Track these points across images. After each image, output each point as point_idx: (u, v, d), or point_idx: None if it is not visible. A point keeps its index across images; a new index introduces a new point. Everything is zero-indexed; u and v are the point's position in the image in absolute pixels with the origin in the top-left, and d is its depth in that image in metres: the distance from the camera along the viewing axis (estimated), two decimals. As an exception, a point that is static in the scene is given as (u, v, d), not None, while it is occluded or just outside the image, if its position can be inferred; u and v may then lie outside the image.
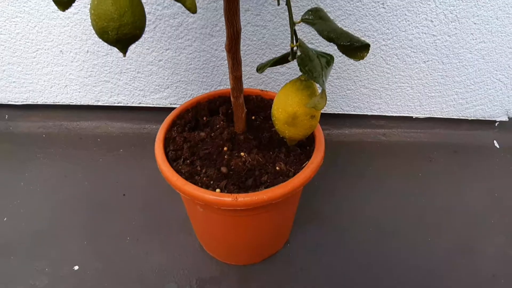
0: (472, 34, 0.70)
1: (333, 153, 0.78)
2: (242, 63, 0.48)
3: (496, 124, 0.85)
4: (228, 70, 0.49)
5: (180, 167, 0.49)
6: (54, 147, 0.81)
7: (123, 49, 0.33)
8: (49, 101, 0.81)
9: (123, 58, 0.71)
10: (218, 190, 0.46)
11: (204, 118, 0.58)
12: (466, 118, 0.82)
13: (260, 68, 0.44)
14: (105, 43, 0.71)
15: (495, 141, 0.84)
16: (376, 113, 0.80)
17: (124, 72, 0.73)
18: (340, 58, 0.71)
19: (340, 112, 0.80)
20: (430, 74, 0.74)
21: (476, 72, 0.75)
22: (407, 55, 0.71)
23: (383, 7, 0.66)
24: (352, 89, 0.76)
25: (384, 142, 0.82)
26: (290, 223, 0.61)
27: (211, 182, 0.47)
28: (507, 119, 0.84)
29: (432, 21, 0.68)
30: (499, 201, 0.70)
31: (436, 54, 0.71)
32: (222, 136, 0.54)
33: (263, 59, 0.72)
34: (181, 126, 0.55)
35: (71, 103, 0.81)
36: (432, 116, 0.81)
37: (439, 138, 0.83)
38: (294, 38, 0.37)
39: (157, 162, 0.49)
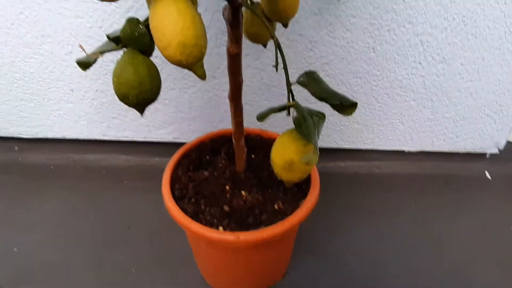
0: (459, 74, 0.76)
1: (329, 185, 0.83)
2: (243, 100, 0.54)
3: (487, 156, 0.91)
4: (230, 115, 0.55)
5: (185, 205, 0.54)
6: (62, 178, 0.86)
7: (141, 111, 0.39)
8: (58, 135, 0.87)
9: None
10: (221, 228, 0.51)
11: (207, 157, 0.64)
12: (457, 151, 0.88)
13: (261, 118, 0.49)
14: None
15: (486, 172, 0.89)
16: (369, 147, 0.86)
17: (131, 110, 0.79)
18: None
19: (335, 146, 0.85)
20: (420, 111, 0.80)
21: (464, 109, 0.81)
22: (397, 94, 0.78)
23: (374, 52, 0.72)
24: (346, 125, 0.82)
25: (378, 174, 0.88)
26: (288, 256, 0.65)
27: (214, 221, 0.52)
28: (498, 152, 0.89)
29: (420, 63, 0.74)
30: (492, 232, 0.75)
31: (425, 93, 0.78)
32: (224, 175, 0.59)
33: (262, 98, 0.78)
34: (186, 165, 0.61)
35: (79, 138, 0.87)
36: (424, 149, 0.87)
37: (431, 170, 0.88)
38: (290, 97, 0.43)
39: (164, 200, 0.54)
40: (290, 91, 0.43)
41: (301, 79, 0.42)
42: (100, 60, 0.74)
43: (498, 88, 0.78)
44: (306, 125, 0.38)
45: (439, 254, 0.70)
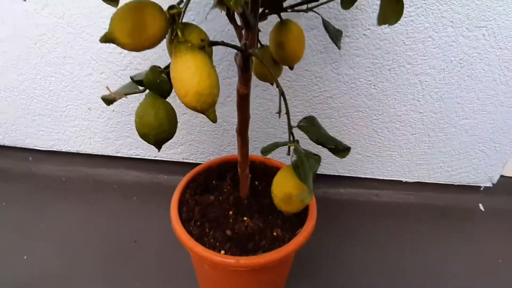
0: (456, 112, 0.81)
1: (329, 210, 0.88)
2: (250, 128, 0.59)
3: (481, 189, 0.95)
4: (237, 144, 0.61)
5: (191, 228, 0.59)
6: (73, 190, 0.92)
7: (159, 148, 0.44)
8: (73, 149, 0.93)
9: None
10: (223, 251, 0.56)
11: (214, 182, 0.69)
12: (453, 183, 0.92)
13: (265, 152, 0.55)
14: (129, 106, 0.84)
15: (480, 205, 0.94)
16: (368, 176, 0.91)
17: (143, 130, 0.85)
18: (336, 128, 0.83)
19: (336, 174, 0.91)
20: (418, 145, 0.85)
21: (460, 144, 0.86)
22: (396, 128, 0.83)
23: (375, 88, 0.78)
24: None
25: (376, 202, 0.92)
26: (284, 278, 0.70)
27: (217, 244, 0.57)
28: (491, 185, 0.94)
29: (419, 100, 0.79)
30: (486, 262, 0.79)
31: (423, 128, 0.83)
32: (229, 200, 0.64)
33: (268, 125, 0.83)
34: (193, 189, 0.66)
35: (92, 153, 0.93)
36: (420, 180, 0.92)
37: (427, 200, 0.93)
38: (291, 138, 0.48)
39: (172, 222, 0.60)
40: (291, 133, 0.48)
41: (302, 123, 0.48)
42: (118, 84, 0.81)
43: (493, 126, 0.83)
44: (303, 167, 0.44)
45: (432, 281, 0.75)
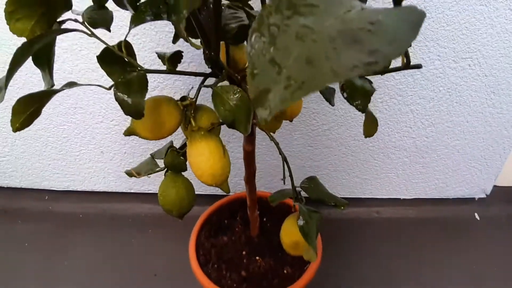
0: (447, 134, 0.88)
1: (333, 228, 0.96)
2: (259, 168, 0.66)
3: (476, 199, 1.03)
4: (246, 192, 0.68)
5: (209, 271, 0.67)
6: (90, 226, 0.99)
7: (181, 218, 0.52)
8: (88, 188, 1.00)
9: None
10: (240, 293, 0.64)
11: (226, 221, 0.77)
12: (448, 197, 1.00)
13: (272, 201, 0.62)
14: (140, 148, 0.91)
15: (476, 214, 1.02)
16: (368, 196, 0.99)
17: (154, 168, 0.92)
18: (335, 156, 0.90)
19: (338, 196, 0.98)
20: (413, 166, 0.93)
21: (453, 163, 0.93)
22: (392, 153, 0.90)
23: (369, 120, 0.84)
24: (347, 179, 0.95)
25: (377, 219, 1.00)
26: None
27: (235, 285, 0.65)
28: (485, 196, 1.02)
29: (411, 127, 0.86)
30: (482, 269, 0.87)
31: (416, 151, 0.90)
32: (241, 240, 0.72)
33: (276, 170, 0.91)
34: (208, 230, 0.74)
35: (107, 190, 1.00)
36: (418, 197, 0.99)
37: (425, 214, 1.01)
38: (297, 197, 0.56)
39: (192, 266, 0.67)
40: (295, 192, 0.55)
41: (304, 184, 0.55)
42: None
43: (483, 145, 0.90)
44: (308, 228, 0.51)
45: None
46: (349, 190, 0.97)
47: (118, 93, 0.39)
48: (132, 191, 0.99)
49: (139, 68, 0.44)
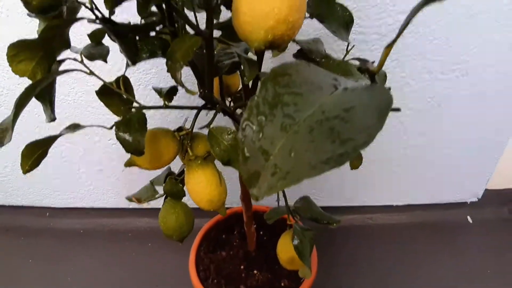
0: (437, 143, 0.91)
1: (329, 236, 0.99)
2: None
3: (468, 203, 1.06)
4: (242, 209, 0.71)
5: (209, 286, 0.70)
6: (91, 241, 1.02)
7: (181, 242, 0.54)
8: (88, 205, 1.03)
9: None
10: (240, 307, 0.67)
11: (223, 236, 0.79)
12: (440, 202, 1.03)
13: (269, 219, 0.65)
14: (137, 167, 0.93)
15: (468, 217, 1.05)
16: (362, 204, 1.02)
17: (152, 184, 0.95)
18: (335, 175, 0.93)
19: (333, 205, 1.01)
20: (405, 174, 0.96)
21: (444, 170, 0.96)
22: (383, 162, 0.93)
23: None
24: (341, 188, 0.98)
25: (371, 225, 1.03)
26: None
27: (234, 300, 0.68)
28: (477, 199, 1.05)
29: (402, 138, 0.89)
30: (475, 272, 0.90)
31: (408, 160, 0.93)
32: (239, 255, 0.75)
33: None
34: (206, 246, 0.77)
35: (106, 207, 1.03)
36: (410, 203, 1.02)
37: (418, 219, 1.04)
38: (292, 216, 0.58)
39: (192, 282, 0.70)
40: (289, 213, 0.58)
41: (297, 204, 0.58)
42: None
43: (473, 151, 0.93)
44: (302, 247, 0.54)
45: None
46: (344, 199, 1.00)
47: (120, 133, 0.42)
48: (130, 206, 1.02)
49: (138, 105, 0.47)
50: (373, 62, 0.53)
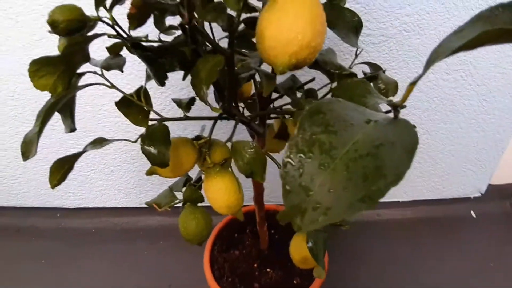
0: (441, 141, 0.94)
1: (337, 233, 1.02)
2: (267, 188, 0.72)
3: (472, 198, 1.09)
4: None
5: (224, 285, 0.73)
6: (103, 240, 1.04)
7: (200, 245, 0.57)
8: (99, 205, 1.05)
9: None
10: (255, 305, 0.70)
11: (236, 235, 0.82)
12: (445, 198, 1.06)
13: (281, 220, 0.68)
14: (149, 166, 0.96)
15: (472, 212, 1.08)
16: (369, 201, 1.05)
17: (165, 184, 0.97)
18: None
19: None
20: (410, 171, 0.98)
21: (448, 166, 0.99)
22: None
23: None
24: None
25: (378, 220, 1.06)
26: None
27: (249, 298, 0.71)
28: (480, 195, 1.08)
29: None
30: (481, 263, 0.93)
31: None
32: (252, 254, 0.78)
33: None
34: (220, 246, 0.79)
35: (117, 206, 1.05)
36: (415, 199, 1.05)
37: (423, 214, 1.07)
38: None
39: (208, 281, 0.73)
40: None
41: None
42: (136, 148, 0.92)
43: (476, 149, 0.96)
44: (317, 249, 0.57)
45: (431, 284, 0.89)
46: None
47: (145, 146, 0.44)
48: (142, 205, 1.04)
49: (160, 117, 0.49)
50: (384, 71, 0.56)
